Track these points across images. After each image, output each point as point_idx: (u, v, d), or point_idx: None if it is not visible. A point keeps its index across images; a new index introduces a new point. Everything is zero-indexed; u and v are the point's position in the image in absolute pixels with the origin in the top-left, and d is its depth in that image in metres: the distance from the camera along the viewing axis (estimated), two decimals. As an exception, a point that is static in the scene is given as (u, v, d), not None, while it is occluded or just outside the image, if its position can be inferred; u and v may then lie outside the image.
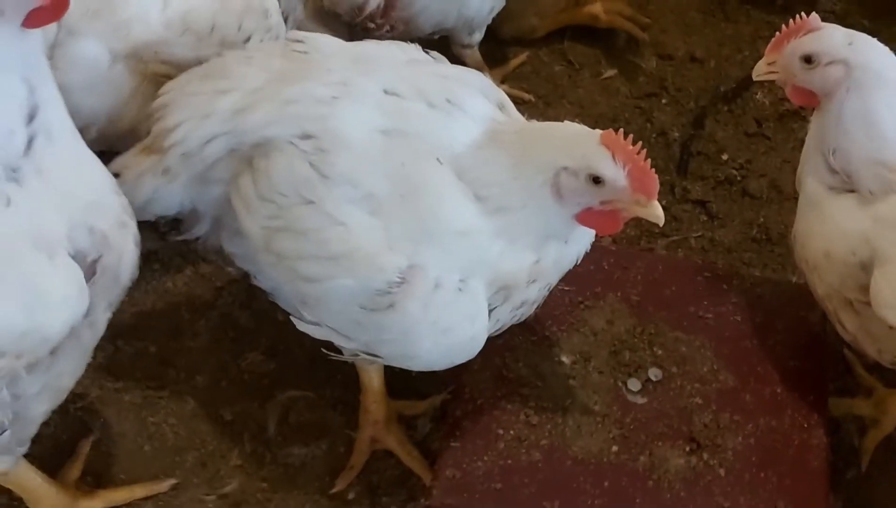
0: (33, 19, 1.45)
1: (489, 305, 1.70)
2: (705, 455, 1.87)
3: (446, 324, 1.67)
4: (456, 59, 2.68)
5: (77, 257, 1.50)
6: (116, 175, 1.76)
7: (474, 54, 2.75)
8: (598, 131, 1.62)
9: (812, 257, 1.83)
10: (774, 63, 1.85)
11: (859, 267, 1.71)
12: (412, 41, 2.50)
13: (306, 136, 1.67)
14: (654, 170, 1.58)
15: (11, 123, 1.44)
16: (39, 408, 1.66)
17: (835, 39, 1.77)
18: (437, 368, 1.79)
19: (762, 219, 2.48)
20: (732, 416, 1.93)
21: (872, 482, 2.02)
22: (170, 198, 1.81)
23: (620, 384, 1.98)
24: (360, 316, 1.67)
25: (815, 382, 2.00)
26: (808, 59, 1.78)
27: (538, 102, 2.81)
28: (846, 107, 1.75)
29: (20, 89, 1.44)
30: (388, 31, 2.44)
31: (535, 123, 1.80)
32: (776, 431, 1.91)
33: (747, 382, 1.99)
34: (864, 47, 1.78)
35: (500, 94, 1.83)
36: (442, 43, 2.62)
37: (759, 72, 1.90)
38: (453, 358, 1.75)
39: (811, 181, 1.83)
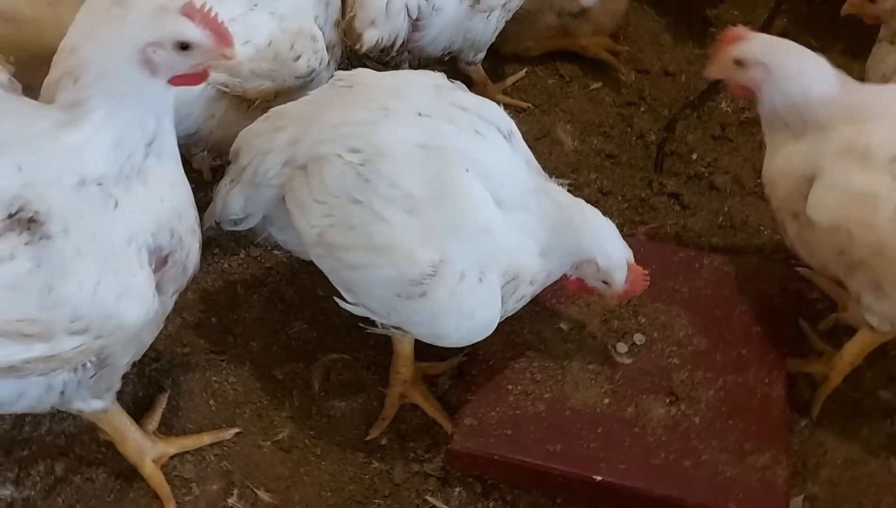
0: (177, 81, 1.53)
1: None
2: (682, 406, 1.89)
3: (469, 310, 1.69)
4: (463, 74, 2.70)
5: (155, 251, 1.54)
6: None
7: (478, 70, 2.74)
8: (627, 251, 1.76)
9: (770, 177, 1.93)
10: (717, 65, 1.95)
11: (804, 181, 1.82)
12: (426, 61, 2.49)
13: (354, 151, 1.68)
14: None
15: (135, 147, 1.52)
16: (123, 359, 1.70)
17: (757, 46, 1.89)
18: (459, 345, 1.81)
19: (727, 209, 2.46)
20: (705, 374, 1.94)
21: (822, 428, 2.01)
22: (235, 203, 1.84)
23: (610, 347, 1.99)
24: (395, 302, 1.68)
25: (774, 345, 2.00)
26: (739, 62, 1.89)
27: (534, 110, 2.78)
28: (772, 92, 1.87)
29: (150, 124, 1.52)
30: (405, 57, 2.43)
31: (567, 201, 1.80)
32: (742, 386, 1.92)
33: (717, 345, 1.99)
34: (779, 50, 1.90)
35: (510, 124, 1.84)
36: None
37: (709, 73, 2.02)
38: (473, 338, 1.77)
39: (771, 136, 1.94)
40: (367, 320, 1.83)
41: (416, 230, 1.64)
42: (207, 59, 1.53)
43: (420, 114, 1.72)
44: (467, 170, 1.67)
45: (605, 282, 1.76)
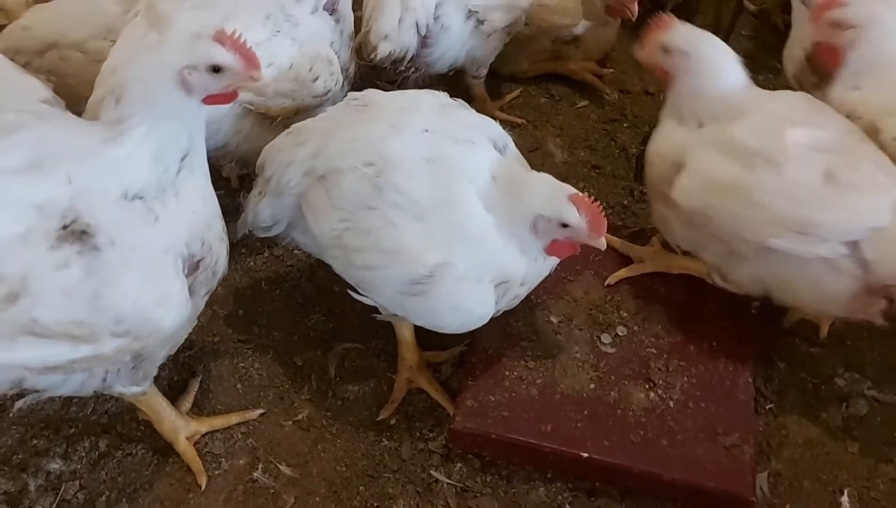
0: (210, 100, 1.59)
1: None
2: (659, 392, 1.94)
3: (466, 307, 1.74)
4: (466, 89, 2.79)
5: (188, 258, 1.59)
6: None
7: (480, 87, 2.81)
8: (570, 190, 1.71)
9: (650, 157, 2.03)
10: (645, 49, 2.03)
11: (674, 167, 1.92)
12: (433, 76, 2.56)
13: (368, 164, 1.73)
14: (605, 216, 1.70)
15: (171, 161, 1.57)
16: (159, 354, 1.76)
17: (682, 34, 1.97)
18: (456, 332, 1.85)
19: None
20: (679, 362, 2.00)
21: (785, 411, 2.06)
22: (265, 212, 1.90)
23: (595, 338, 2.04)
24: (399, 299, 1.73)
25: (741, 337, 2.05)
26: (664, 48, 1.97)
27: (528, 126, 2.86)
28: (686, 79, 1.95)
29: (183, 140, 1.58)
30: (414, 72, 2.50)
31: (525, 174, 1.83)
32: (712, 373, 1.97)
33: (690, 337, 2.04)
34: (701, 42, 1.97)
35: (507, 139, 1.88)
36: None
37: (638, 55, 2.09)
38: (469, 327, 1.82)
39: (665, 120, 2.02)
40: (375, 309, 1.90)
41: (423, 234, 1.67)
42: (237, 81, 1.60)
43: (426, 131, 1.77)
44: (469, 182, 1.72)
45: (565, 226, 1.69)
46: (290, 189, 1.84)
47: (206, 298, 1.75)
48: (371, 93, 1.94)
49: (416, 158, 1.73)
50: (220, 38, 1.58)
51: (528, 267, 1.78)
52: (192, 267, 1.61)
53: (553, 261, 1.85)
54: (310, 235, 1.86)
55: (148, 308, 1.51)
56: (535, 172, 1.84)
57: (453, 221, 1.70)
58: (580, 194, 1.69)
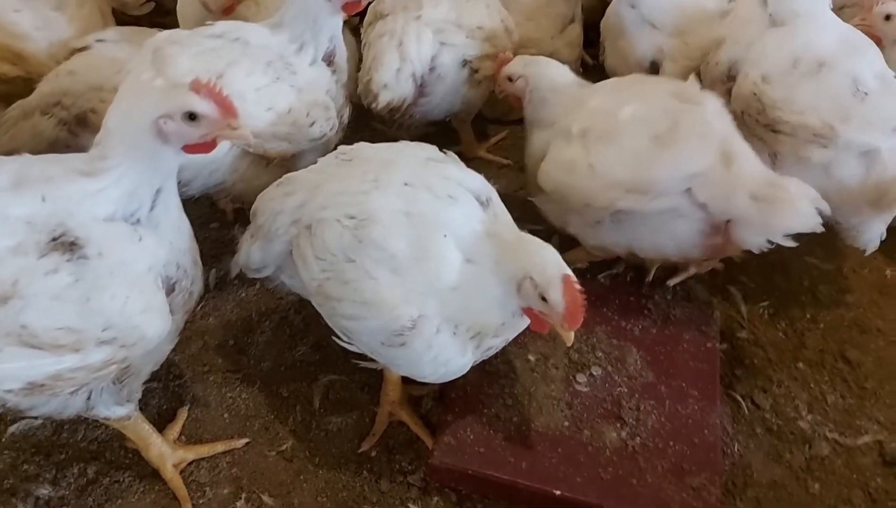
0: (190, 149, 1.52)
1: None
2: (630, 430, 1.85)
3: (444, 359, 1.63)
4: (454, 131, 2.73)
5: (166, 279, 1.55)
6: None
7: (468, 128, 2.74)
8: (566, 270, 1.55)
9: (527, 161, 2.17)
10: (499, 84, 2.26)
11: (540, 161, 2.04)
12: (427, 123, 2.51)
13: (350, 216, 1.64)
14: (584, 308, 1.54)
15: (144, 198, 1.52)
16: (143, 369, 1.68)
17: (518, 63, 2.19)
18: (437, 382, 1.76)
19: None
20: (650, 402, 1.91)
21: (750, 452, 1.96)
22: (255, 255, 1.82)
23: (571, 377, 1.96)
24: (380, 348, 1.64)
25: (710, 378, 1.97)
26: (509, 78, 2.19)
27: (513, 166, 2.76)
28: (531, 94, 2.14)
29: (157, 180, 1.52)
30: (409, 119, 2.44)
31: (512, 236, 1.70)
32: (681, 413, 1.89)
33: (661, 377, 1.97)
34: (533, 63, 2.18)
35: (491, 192, 1.77)
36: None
37: (497, 91, 2.31)
38: (448, 377, 1.70)
39: (530, 131, 2.18)
40: (360, 355, 1.78)
41: (400, 288, 1.58)
42: (215, 129, 1.51)
43: (406, 184, 1.68)
44: (445, 236, 1.62)
45: (543, 299, 1.55)
46: (278, 236, 1.76)
47: (185, 317, 1.69)
48: (358, 147, 1.84)
49: (395, 212, 1.64)
50: (196, 86, 1.49)
51: (503, 321, 1.67)
52: (169, 288, 1.57)
53: (525, 322, 1.71)
54: (298, 279, 1.78)
55: (134, 314, 1.46)
56: (531, 236, 1.70)
57: (429, 274, 1.60)
58: (573, 279, 1.55)
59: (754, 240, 1.92)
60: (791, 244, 1.91)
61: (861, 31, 2.17)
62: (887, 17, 2.21)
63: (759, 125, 2.07)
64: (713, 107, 1.97)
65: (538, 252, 1.61)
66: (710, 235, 1.95)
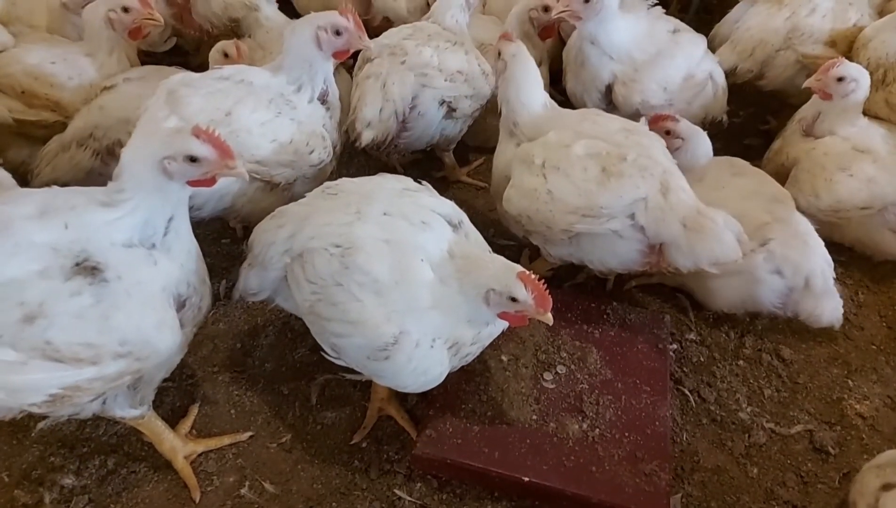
0: (193, 184, 1.57)
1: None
2: (590, 423, 1.90)
3: (423, 369, 1.65)
4: (437, 158, 2.75)
5: (177, 297, 1.60)
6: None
7: (450, 156, 2.77)
8: (518, 268, 1.62)
9: (493, 169, 2.20)
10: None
11: (505, 179, 2.10)
12: (411, 152, 2.55)
13: (336, 246, 1.68)
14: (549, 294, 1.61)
15: (158, 226, 1.56)
16: (157, 376, 1.71)
17: (500, 47, 2.17)
18: (418, 391, 1.75)
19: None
20: (608, 397, 1.95)
21: (696, 440, 2.01)
22: (252, 281, 1.85)
23: (539, 375, 1.99)
24: (366, 362, 1.66)
25: (661, 375, 2.02)
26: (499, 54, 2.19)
27: (489, 189, 2.73)
28: (504, 98, 2.15)
29: (168, 209, 1.56)
30: (394, 148, 2.47)
31: (478, 253, 1.75)
32: (636, 407, 1.94)
33: (618, 375, 2.01)
34: (513, 49, 2.14)
35: (462, 216, 1.81)
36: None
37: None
38: (428, 386, 1.73)
39: (500, 139, 2.19)
40: (347, 368, 1.80)
41: (382, 308, 1.60)
42: (213, 169, 1.57)
43: (385, 214, 1.71)
44: (423, 260, 1.65)
45: (513, 300, 1.60)
46: (272, 264, 1.79)
47: (194, 331, 1.72)
48: (342, 182, 1.88)
49: (377, 240, 1.67)
50: (197, 132, 1.55)
51: (478, 331, 1.71)
52: (180, 305, 1.61)
53: (504, 324, 1.76)
54: (292, 301, 1.81)
55: (148, 330, 1.50)
56: (488, 252, 1.77)
57: (408, 296, 1.62)
58: (527, 272, 1.61)
59: (683, 262, 1.97)
60: (716, 271, 1.97)
61: (814, 88, 2.32)
62: (840, 79, 2.28)
63: None
64: (658, 143, 2.05)
65: (487, 265, 1.65)
66: (647, 254, 2.01)
